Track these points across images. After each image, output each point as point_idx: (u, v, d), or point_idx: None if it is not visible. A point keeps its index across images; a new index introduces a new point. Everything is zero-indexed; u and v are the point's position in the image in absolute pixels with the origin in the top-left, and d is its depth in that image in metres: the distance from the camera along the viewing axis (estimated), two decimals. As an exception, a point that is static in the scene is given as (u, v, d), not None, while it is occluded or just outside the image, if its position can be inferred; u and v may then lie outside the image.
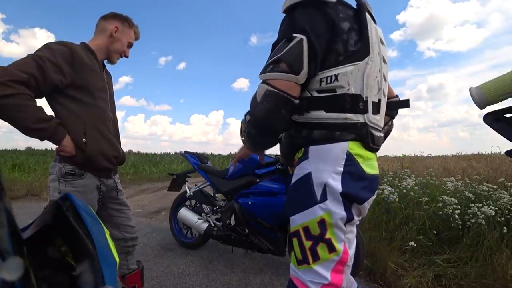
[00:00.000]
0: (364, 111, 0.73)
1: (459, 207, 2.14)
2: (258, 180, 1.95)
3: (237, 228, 1.98)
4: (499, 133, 0.75)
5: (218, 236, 2.09)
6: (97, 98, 1.15)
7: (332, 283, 0.71)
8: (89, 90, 1.12)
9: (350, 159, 0.71)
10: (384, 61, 0.81)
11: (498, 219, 1.98)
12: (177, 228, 2.56)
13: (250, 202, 1.89)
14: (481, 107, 0.77)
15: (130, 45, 1.29)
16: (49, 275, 0.35)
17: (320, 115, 0.73)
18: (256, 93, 0.74)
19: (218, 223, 2.17)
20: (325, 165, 0.71)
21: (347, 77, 0.71)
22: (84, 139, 1.08)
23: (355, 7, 0.78)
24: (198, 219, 2.22)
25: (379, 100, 0.78)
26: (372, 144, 0.75)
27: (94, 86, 1.14)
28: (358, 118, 0.73)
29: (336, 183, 0.70)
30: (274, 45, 0.75)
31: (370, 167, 0.77)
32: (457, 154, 7.55)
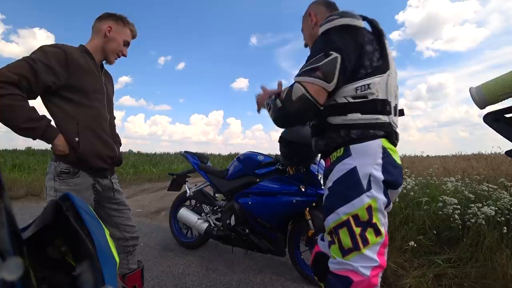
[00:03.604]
0: (389, 113, 0.90)
1: (459, 207, 2.14)
2: (258, 180, 1.95)
3: (237, 228, 1.98)
4: (499, 133, 0.75)
5: (218, 236, 2.09)
6: (93, 99, 1.16)
7: (380, 265, 0.82)
8: (84, 91, 1.13)
9: (386, 152, 0.86)
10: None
11: (498, 219, 1.98)
12: (177, 228, 2.56)
13: (250, 202, 1.89)
14: (481, 107, 0.77)
15: (127, 44, 1.29)
16: (49, 275, 0.35)
17: (357, 117, 0.88)
18: (291, 90, 0.86)
19: (218, 223, 2.17)
20: (368, 159, 0.85)
21: (376, 86, 0.87)
22: (77, 139, 1.09)
23: (372, 31, 0.95)
24: (198, 219, 2.22)
25: (396, 105, 0.95)
26: (395, 140, 0.91)
27: (90, 87, 1.15)
28: (385, 118, 0.89)
29: (378, 173, 0.83)
30: (309, 58, 0.89)
31: (397, 158, 0.91)
32: (457, 154, 7.51)
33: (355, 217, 0.82)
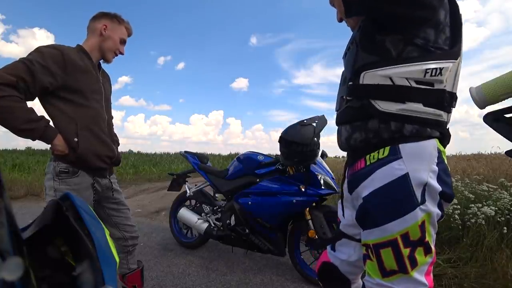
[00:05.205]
0: (451, 110, 0.73)
1: (459, 207, 2.14)
2: (258, 180, 1.96)
3: (237, 228, 1.98)
4: (499, 133, 0.75)
5: (218, 236, 2.09)
6: (90, 99, 1.16)
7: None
8: (82, 91, 1.13)
9: (440, 157, 0.69)
10: None
11: (498, 219, 1.98)
12: (177, 228, 2.56)
13: (250, 202, 1.89)
14: (481, 107, 0.77)
15: (123, 42, 1.30)
16: (49, 275, 0.35)
17: (417, 108, 0.69)
18: None
19: (218, 223, 2.17)
20: (422, 164, 0.68)
21: (447, 73, 0.68)
22: (76, 139, 1.10)
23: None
24: (198, 219, 2.22)
25: None
26: (447, 143, 0.75)
27: (87, 87, 1.15)
28: (445, 117, 0.72)
29: (435, 183, 0.67)
30: None
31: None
32: (457, 154, 7.53)
33: (405, 236, 0.68)
